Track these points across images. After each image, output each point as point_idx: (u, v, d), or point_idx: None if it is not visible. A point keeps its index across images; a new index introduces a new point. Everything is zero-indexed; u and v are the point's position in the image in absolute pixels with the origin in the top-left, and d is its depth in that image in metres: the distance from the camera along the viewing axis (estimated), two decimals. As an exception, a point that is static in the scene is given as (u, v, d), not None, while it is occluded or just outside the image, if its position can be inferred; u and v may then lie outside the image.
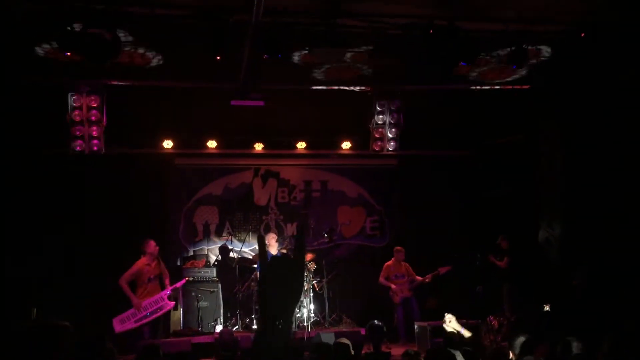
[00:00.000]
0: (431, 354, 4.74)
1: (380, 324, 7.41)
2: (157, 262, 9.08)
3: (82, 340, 5.67)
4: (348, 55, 8.08)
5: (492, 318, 9.29)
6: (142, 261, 8.97)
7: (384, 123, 10.11)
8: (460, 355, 4.65)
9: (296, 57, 8.09)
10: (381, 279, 10.50)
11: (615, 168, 8.84)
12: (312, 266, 9.65)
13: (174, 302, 9.15)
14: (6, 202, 9.62)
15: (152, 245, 8.98)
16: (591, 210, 9.07)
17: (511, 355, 5.19)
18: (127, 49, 7.58)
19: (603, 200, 8.92)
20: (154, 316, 8.81)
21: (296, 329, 8.91)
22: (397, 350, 8.49)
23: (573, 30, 7.55)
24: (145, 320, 8.75)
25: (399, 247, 10.64)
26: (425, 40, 7.27)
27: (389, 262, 10.59)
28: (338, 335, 8.52)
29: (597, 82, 8.58)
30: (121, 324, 8.75)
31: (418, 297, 10.45)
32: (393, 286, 10.36)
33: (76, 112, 9.11)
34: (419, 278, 10.39)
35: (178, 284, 9.29)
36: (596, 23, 7.33)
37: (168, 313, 9.33)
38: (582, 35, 7.31)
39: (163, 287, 9.03)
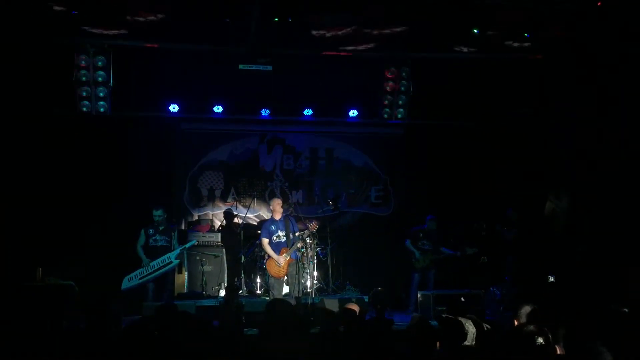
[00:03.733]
0: (443, 322, 4.75)
1: (383, 291, 7.43)
2: (165, 227, 9.27)
3: (89, 303, 5.73)
4: (358, 19, 7.96)
5: (495, 288, 9.35)
6: (147, 226, 9.25)
7: (393, 91, 10.01)
8: (471, 324, 4.66)
9: (306, 21, 7.97)
10: (407, 243, 10.38)
11: (625, 144, 8.75)
12: (314, 226, 9.55)
13: (179, 260, 9.31)
14: (14, 161, 9.60)
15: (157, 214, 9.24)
16: (599, 184, 9.01)
17: (516, 323, 5.20)
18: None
19: (611, 175, 8.86)
20: (159, 272, 9.02)
21: (300, 295, 8.94)
22: (401, 318, 8.56)
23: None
24: (149, 276, 8.98)
25: (432, 216, 10.38)
26: (437, 6, 7.16)
27: (419, 228, 10.38)
28: (342, 301, 8.58)
29: (611, 56, 8.43)
30: (128, 282, 9.03)
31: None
32: (417, 254, 10.23)
33: (82, 73, 9.06)
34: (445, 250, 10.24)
35: (187, 245, 9.41)
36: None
37: (173, 276, 9.40)
38: (599, 4, 7.15)
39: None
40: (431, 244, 10.26)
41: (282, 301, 5.90)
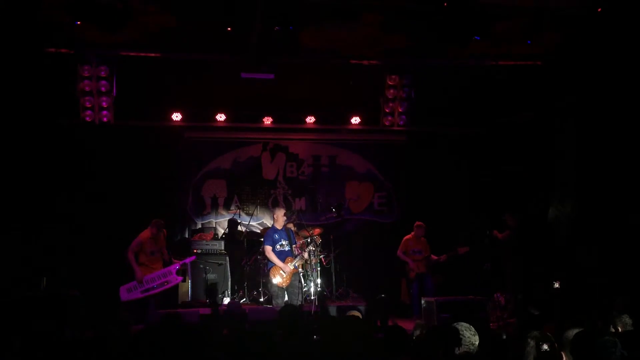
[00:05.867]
0: (435, 330, 4.74)
1: (385, 298, 7.42)
2: (162, 236, 9.14)
3: (98, 312, 5.74)
4: (360, 27, 7.99)
5: (499, 295, 9.33)
6: (146, 234, 9.01)
7: (395, 98, 10.03)
8: (472, 329, 4.65)
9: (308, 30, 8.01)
10: (399, 253, 10.29)
11: (629, 149, 8.75)
12: (318, 239, 9.61)
13: (182, 277, 9.16)
14: (18, 170, 9.63)
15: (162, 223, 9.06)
16: (604, 190, 9.00)
17: (520, 329, 5.22)
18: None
19: (616, 180, 8.85)
20: (161, 289, 8.83)
21: (303, 303, 8.93)
22: (405, 325, 8.52)
23: (589, 5, 7.44)
24: (151, 292, 8.78)
25: (419, 223, 10.30)
26: (439, 13, 7.19)
27: (408, 236, 10.34)
28: (345, 308, 8.58)
29: (613, 60, 8.44)
30: (127, 293, 8.78)
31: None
32: (411, 262, 10.17)
33: (86, 83, 9.12)
34: (434, 257, 10.22)
35: (187, 260, 9.34)
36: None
37: (176, 285, 9.37)
38: (599, 10, 7.18)
39: (166, 261, 9.03)
40: (421, 251, 10.26)
41: (294, 307, 5.89)
